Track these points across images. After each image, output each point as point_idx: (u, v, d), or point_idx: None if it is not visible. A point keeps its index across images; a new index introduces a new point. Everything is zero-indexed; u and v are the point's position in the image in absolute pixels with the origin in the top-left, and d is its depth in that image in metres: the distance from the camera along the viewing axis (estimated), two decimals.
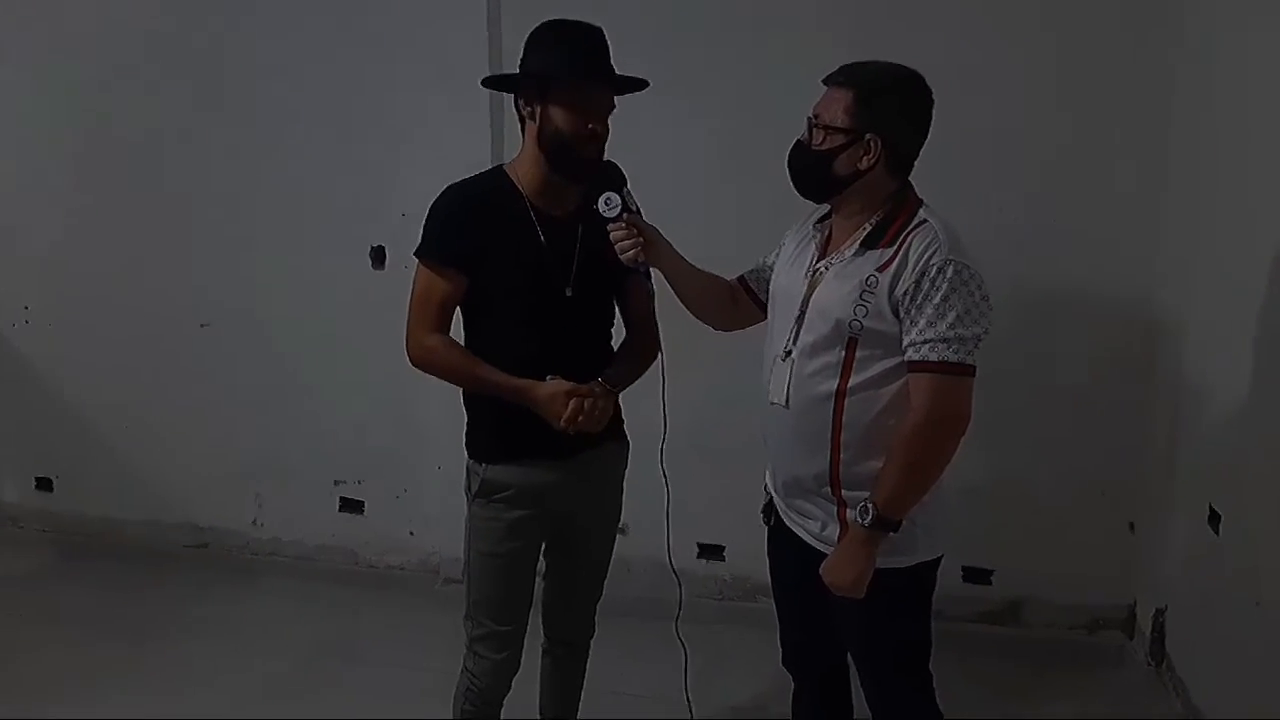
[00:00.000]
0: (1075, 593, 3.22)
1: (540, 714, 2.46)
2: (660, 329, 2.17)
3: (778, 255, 2.14)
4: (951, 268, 1.79)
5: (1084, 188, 3.00)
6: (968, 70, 2.92)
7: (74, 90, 3.65)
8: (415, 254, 2.10)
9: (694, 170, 3.12)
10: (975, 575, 3.26)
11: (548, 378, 2.03)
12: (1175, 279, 2.93)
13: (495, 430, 2.12)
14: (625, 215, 2.01)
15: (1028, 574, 3.24)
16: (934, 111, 1.93)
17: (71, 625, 3.41)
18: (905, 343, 1.82)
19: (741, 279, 2.22)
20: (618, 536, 2.35)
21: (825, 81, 1.94)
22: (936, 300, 1.79)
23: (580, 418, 2.00)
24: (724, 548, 3.41)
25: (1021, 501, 3.18)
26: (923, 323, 1.80)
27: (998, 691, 2.97)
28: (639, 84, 2.09)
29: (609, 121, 2.05)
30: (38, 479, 4.02)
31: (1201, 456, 2.76)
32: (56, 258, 3.79)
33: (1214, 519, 2.62)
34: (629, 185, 2.05)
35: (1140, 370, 3.06)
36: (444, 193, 2.10)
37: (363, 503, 3.71)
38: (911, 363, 1.82)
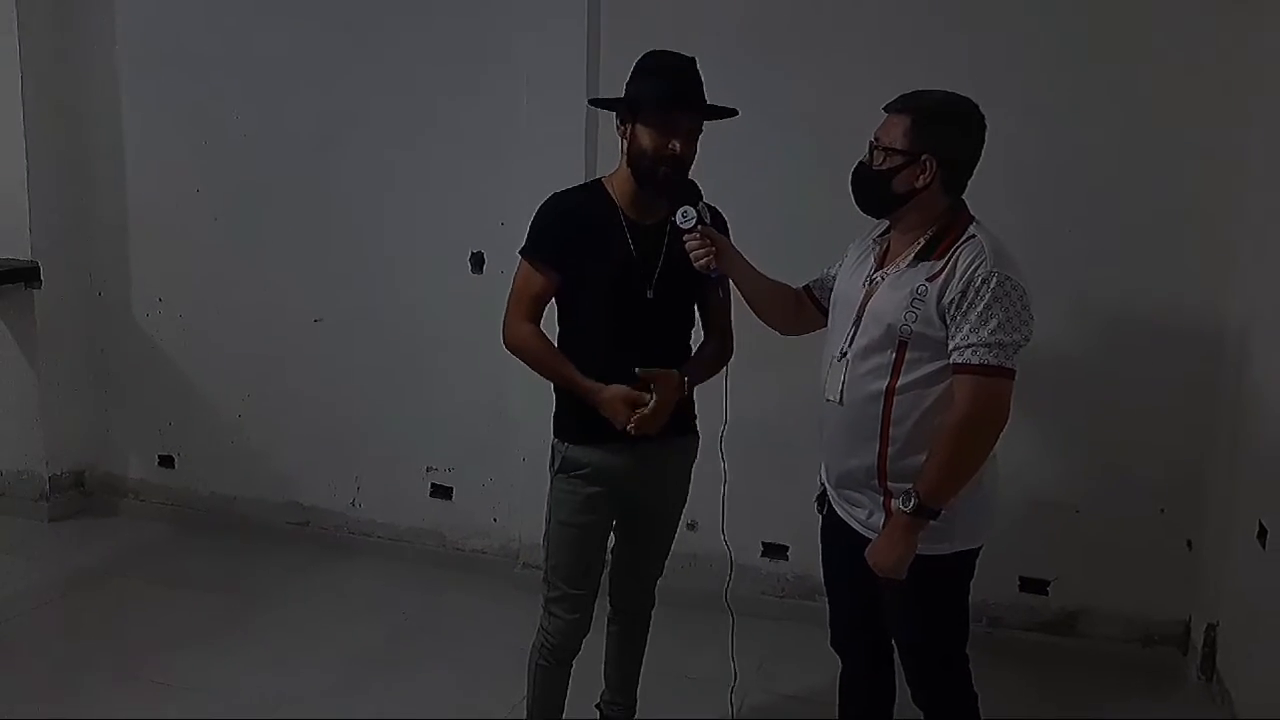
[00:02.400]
0: (1132, 607, 3.30)
1: (605, 678, 2.68)
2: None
3: (840, 265, 2.32)
4: (995, 279, 1.96)
5: (1151, 206, 3.10)
6: (1036, 92, 3.09)
7: (215, 104, 4.01)
8: (519, 251, 2.36)
9: (767, 186, 3.30)
10: (1032, 585, 3.37)
11: (637, 370, 2.24)
12: (1240, 298, 3.01)
13: (577, 414, 2.35)
14: (700, 227, 2.23)
15: (1085, 587, 3.33)
16: (996, 135, 2.11)
17: (187, 589, 3.73)
18: (950, 347, 1.99)
19: (807, 287, 2.42)
20: (690, 533, 2.54)
21: (886, 109, 2.13)
22: (980, 308, 1.95)
23: (637, 421, 2.22)
24: (788, 548, 3.58)
25: (1082, 515, 3.28)
26: (967, 329, 1.96)
27: (1050, 700, 3.08)
28: (728, 112, 2.30)
29: (697, 144, 2.26)
30: (160, 457, 4.36)
31: (1256, 474, 2.84)
32: (188, 254, 4.15)
33: (1262, 534, 2.70)
34: (704, 200, 2.27)
35: (1204, 389, 3.14)
36: (548, 199, 2.36)
37: (452, 489, 3.96)
38: (956, 365, 1.98)
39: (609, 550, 2.51)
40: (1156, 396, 3.18)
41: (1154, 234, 3.11)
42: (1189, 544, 3.23)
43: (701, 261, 2.22)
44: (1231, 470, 3.02)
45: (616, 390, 2.24)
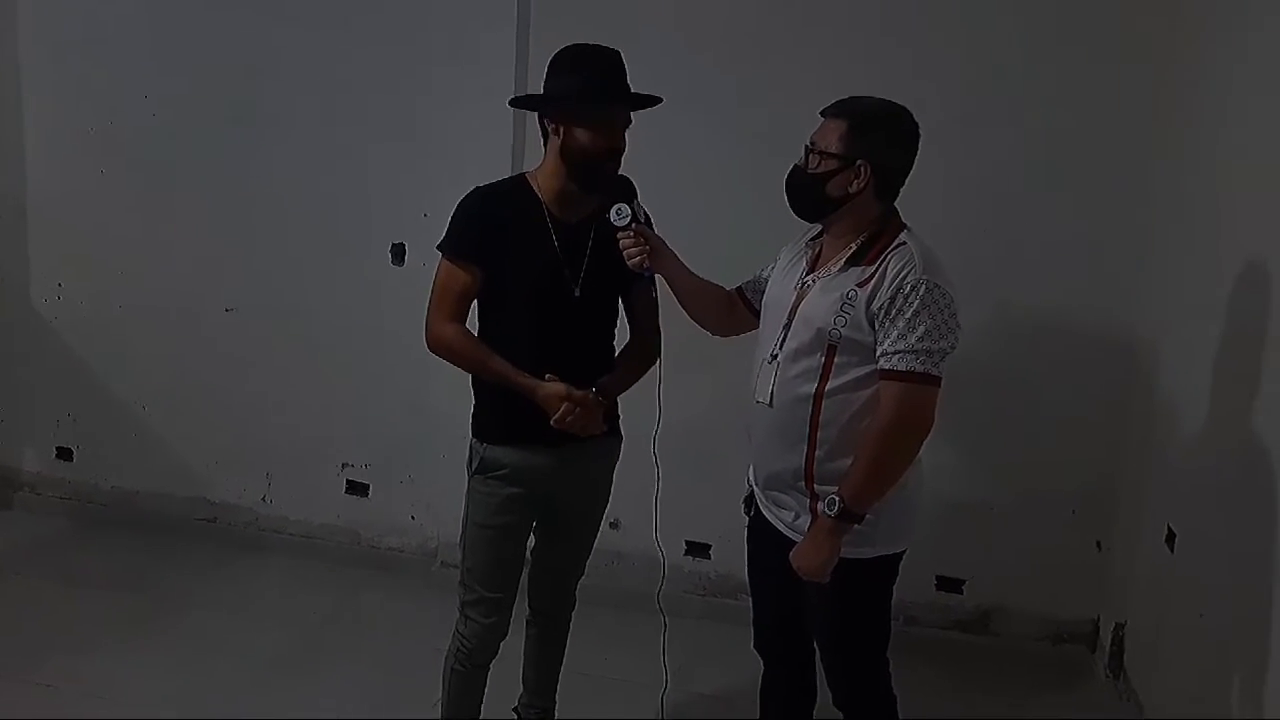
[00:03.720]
0: (1043, 606, 3.38)
1: (523, 680, 2.64)
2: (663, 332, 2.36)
3: (773, 268, 2.31)
4: (924, 286, 1.97)
5: (1065, 217, 3.17)
6: (959, 102, 3.12)
7: (118, 89, 3.83)
8: (438, 247, 2.29)
9: (702, 187, 3.28)
10: (948, 584, 3.43)
11: (546, 377, 2.19)
12: (1152, 308, 3.09)
13: (497, 414, 2.30)
14: (634, 225, 2.20)
15: (999, 586, 3.40)
16: (922, 143, 2.12)
17: (86, 588, 3.56)
18: (878, 352, 1.99)
19: (739, 289, 2.40)
20: (612, 532, 2.51)
21: (823, 113, 2.12)
22: (908, 315, 1.96)
23: (570, 419, 2.17)
24: (710, 546, 3.57)
25: (996, 517, 3.35)
26: (895, 335, 1.97)
27: (963, 697, 3.13)
28: (654, 101, 2.27)
29: (625, 136, 2.23)
30: (58, 449, 4.16)
31: (1165, 480, 2.92)
32: (90, 240, 3.96)
33: (1170, 538, 2.78)
34: (639, 198, 2.24)
35: (1117, 398, 3.22)
36: (469, 194, 2.29)
37: (368, 486, 3.86)
38: (882, 371, 1.99)
39: (529, 552, 2.46)
40: (1071, 404, 3.26)
41: (1071, 248, 3.18)
42: (1099, 545, 3.32)
43: (635, 260, 2.18)
44: (1141, 475, 3.10)
45: (557, 386, 2.18)
